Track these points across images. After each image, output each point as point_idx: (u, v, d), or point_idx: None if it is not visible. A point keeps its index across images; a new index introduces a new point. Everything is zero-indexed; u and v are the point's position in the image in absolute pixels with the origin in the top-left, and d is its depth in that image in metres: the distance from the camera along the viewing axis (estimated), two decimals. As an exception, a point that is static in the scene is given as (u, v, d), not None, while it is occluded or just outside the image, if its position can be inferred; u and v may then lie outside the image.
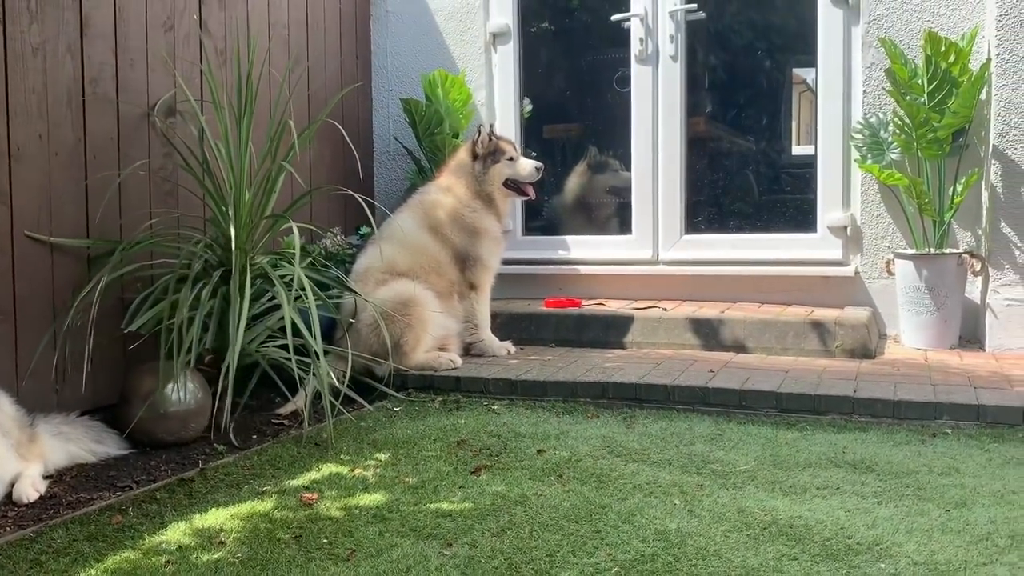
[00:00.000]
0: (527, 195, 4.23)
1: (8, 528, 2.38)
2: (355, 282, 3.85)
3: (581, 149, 5.26)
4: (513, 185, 4.18)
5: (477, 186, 4.13)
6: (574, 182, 5.26)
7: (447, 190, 4.16)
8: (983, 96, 4.10)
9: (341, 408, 3.27)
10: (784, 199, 4.85)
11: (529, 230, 5.22)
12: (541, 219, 5.30)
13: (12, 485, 2.59)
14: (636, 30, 4.83)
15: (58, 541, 2.26)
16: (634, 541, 2.17)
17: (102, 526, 2.35)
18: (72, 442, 2.93)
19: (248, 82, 3.41)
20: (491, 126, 4.63)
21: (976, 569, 2.01)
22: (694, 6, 4.75)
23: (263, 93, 3.95)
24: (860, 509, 2.36)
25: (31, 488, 2.59)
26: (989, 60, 4.05)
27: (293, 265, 3.37)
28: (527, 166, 4.18)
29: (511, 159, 4.17)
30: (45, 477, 2.72)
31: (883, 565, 2.03)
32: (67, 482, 2.76)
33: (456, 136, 4.82)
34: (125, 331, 3.19)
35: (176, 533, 2.30)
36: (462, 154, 4.22)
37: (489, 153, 4.14)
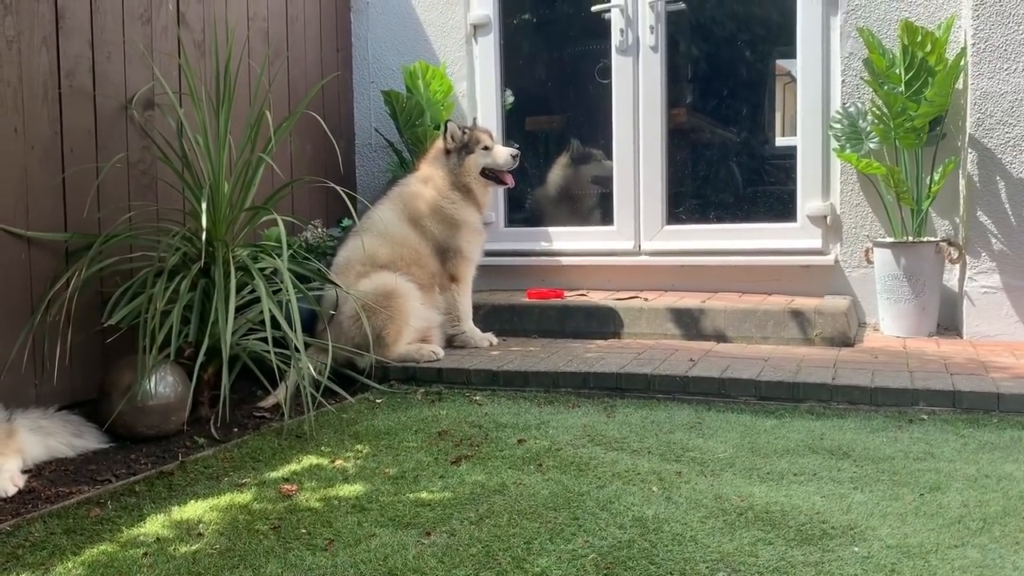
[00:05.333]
0: (505, 183, 4.22)
1: (-14, 522, 2.37)
2: (336, 274, 3.85)
3: (563, 140, 5.26)
4: (491, 174, 4.17)
5: (454, 177, 4.12)
6: (556, 173, 5.27)
7: (426, 181, 4.15)
8: (959, 85, 4.12)
9: (322, 400, 3.27)
10: (766, 190, 4.87)
11: (511, 221, 5.22)
12: (523, 211, 5.30)
13: (-10, 480, 2.59)
14: (616, 21, 4.84)
15: (36, 535, 2.26)
16: (611, 528, 2.19)
17: (80, 519, 2.35)
18: (51, 436, 2.93)
19: (226, 74, 3.39)
20: (474, 119, 4.64)
21: (947, 551, 2.04)
22: (674, -4, 4.77)
23: (242, 85, 3.93)
24: (836, 494, 2.39)
25: (9, 482, 2.58)
26: (965, 49, 4.07)
27: (274, 258, 3.36)
28: (503, 153, 4.16)
29: (486, 148, 4.15)
30: (24, 472, 2.71)
31: (856, 548, 2.06)
32: (46, 476, 2.75)
33: (437, 128, 4.81)
34: (104, 325, 3.18)
35: (154, 525, 2.30)
36: (439, 145, 4.21)
37: (463, 144, 4.13)
